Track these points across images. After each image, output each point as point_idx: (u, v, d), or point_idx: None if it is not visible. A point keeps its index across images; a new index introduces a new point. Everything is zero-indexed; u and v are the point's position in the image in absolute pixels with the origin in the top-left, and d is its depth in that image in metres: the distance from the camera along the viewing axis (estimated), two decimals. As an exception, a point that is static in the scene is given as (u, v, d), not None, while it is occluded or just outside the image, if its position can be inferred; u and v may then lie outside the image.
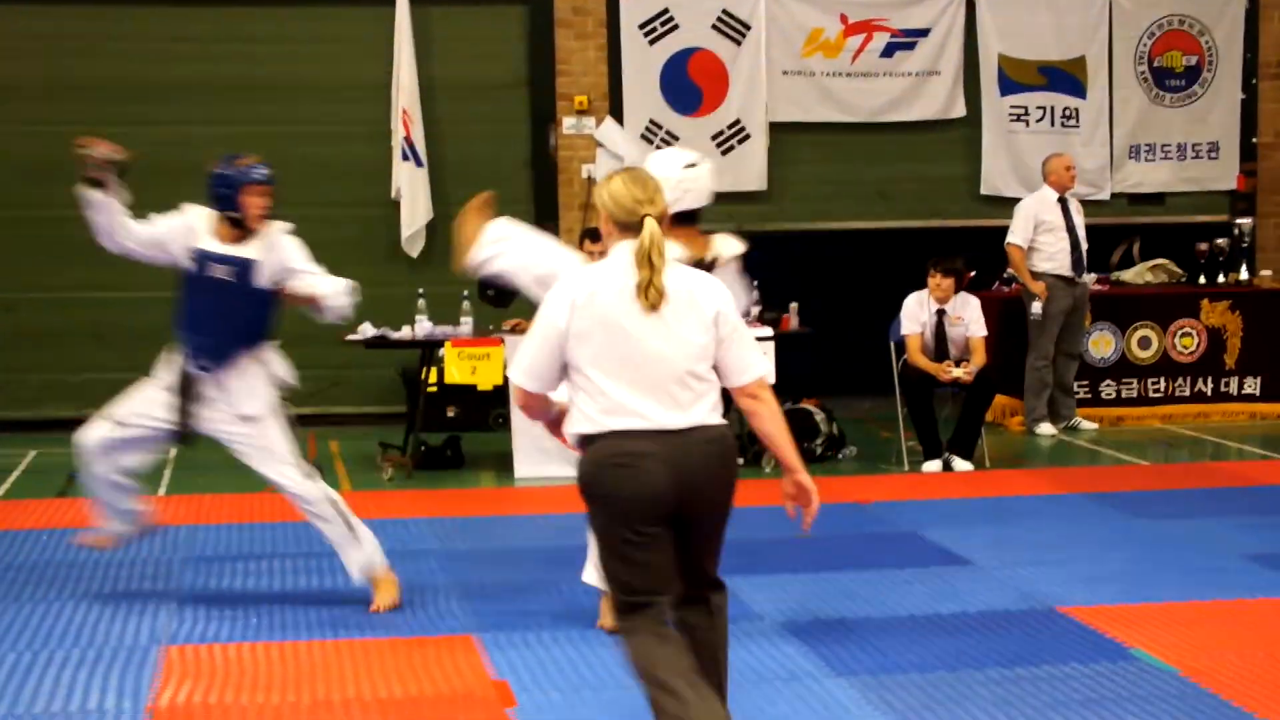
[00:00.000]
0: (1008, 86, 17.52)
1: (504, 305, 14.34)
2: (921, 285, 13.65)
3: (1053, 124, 17.60)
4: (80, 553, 9.51)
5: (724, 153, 17.05)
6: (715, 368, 6.15)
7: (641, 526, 6.03)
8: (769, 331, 13.54)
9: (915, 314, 13.61)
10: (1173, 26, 17.87)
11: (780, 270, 16.27)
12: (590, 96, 16.94)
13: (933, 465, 13.40)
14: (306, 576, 9.61)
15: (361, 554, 8.94)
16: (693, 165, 7.97)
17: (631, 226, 6.11)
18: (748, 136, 17.11)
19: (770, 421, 6.28)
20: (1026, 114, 17.58)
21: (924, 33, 17.34)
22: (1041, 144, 17.12)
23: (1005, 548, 10.34)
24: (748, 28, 17.06)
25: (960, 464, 13.37)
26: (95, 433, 8.96)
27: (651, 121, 16.98)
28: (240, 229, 8.85)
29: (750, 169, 17.15)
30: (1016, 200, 15.99)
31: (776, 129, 17.18)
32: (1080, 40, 17.67)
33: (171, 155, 16.26)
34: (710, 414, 6.11)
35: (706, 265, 7.64)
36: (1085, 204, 16.15)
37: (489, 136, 16.88)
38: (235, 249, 8.86)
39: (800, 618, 8.62)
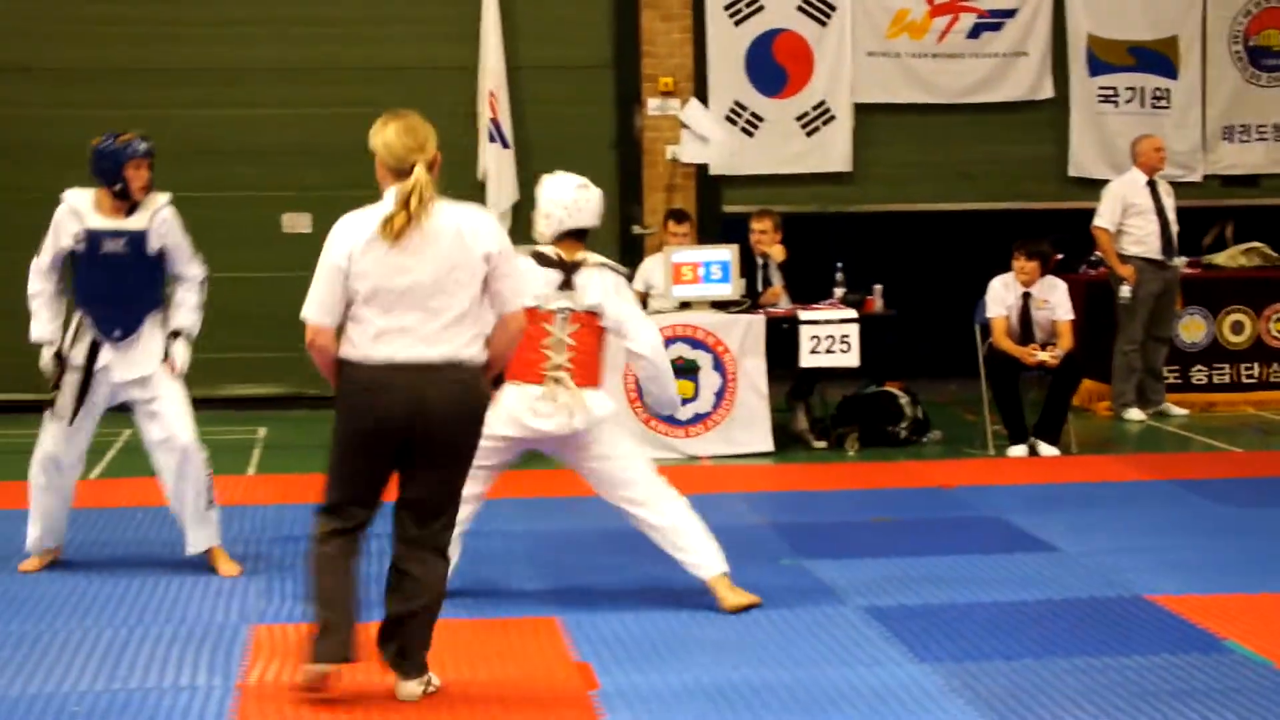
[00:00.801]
0: (1097, 67, 17.37)
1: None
2: (1007, 268, 13.56)
3: (1143, 105, 17.43)
4: (173, 531, 9.56)
5: (809, 134, 16.99)
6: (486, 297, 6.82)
7: (371, 445, 6.75)
8: (853, 314, 13.48)
9: (1000, 297, 13.52)
10: (1270, 4, 17.63)
11: (864, 252, 16.26)
12: (675, 78, 16.90)
13: (1018, 450, 13.32)
14: (380, 560, 9.60)
15: (208, 530, 9.37)
16: (584, 187, 8.69)
17: (403, 173, 6.74)
18: (832, 118, 17.04)
19: (501, 343, 6.94)
20: (1116, 95, 17.42)
21: (1011, 13, 17.20)
22: (1131, 125, 16.96)
23: (1092, 534, 10.26)
24: (833, 9, 16.97)
25: (1046, 449, 13.28)
26: (49, 445, 9.39)
27: (736, 103, 16.93)
28: (125, 201, 9.28)
29: (835, 150, 17.07)
30: (1105, 182, 15.84)
31: (861, 110, 17.09)
32: (1172, 20, 17.48)
33: (259, 138, 16.44)
34: (464, 349, 6.76)
35: (574, 265, 8.53)
36: (1176, 186, 15.96)
37: (574, 118, 16.87)
38: (122, 223, 9.31)
39: (883, 603, 8.57)
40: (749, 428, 13.34)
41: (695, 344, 13.26)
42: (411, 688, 7.07)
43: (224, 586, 9.05)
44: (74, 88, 16.29)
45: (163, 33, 16.44)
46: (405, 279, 6.71)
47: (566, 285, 8.52)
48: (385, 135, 6.81)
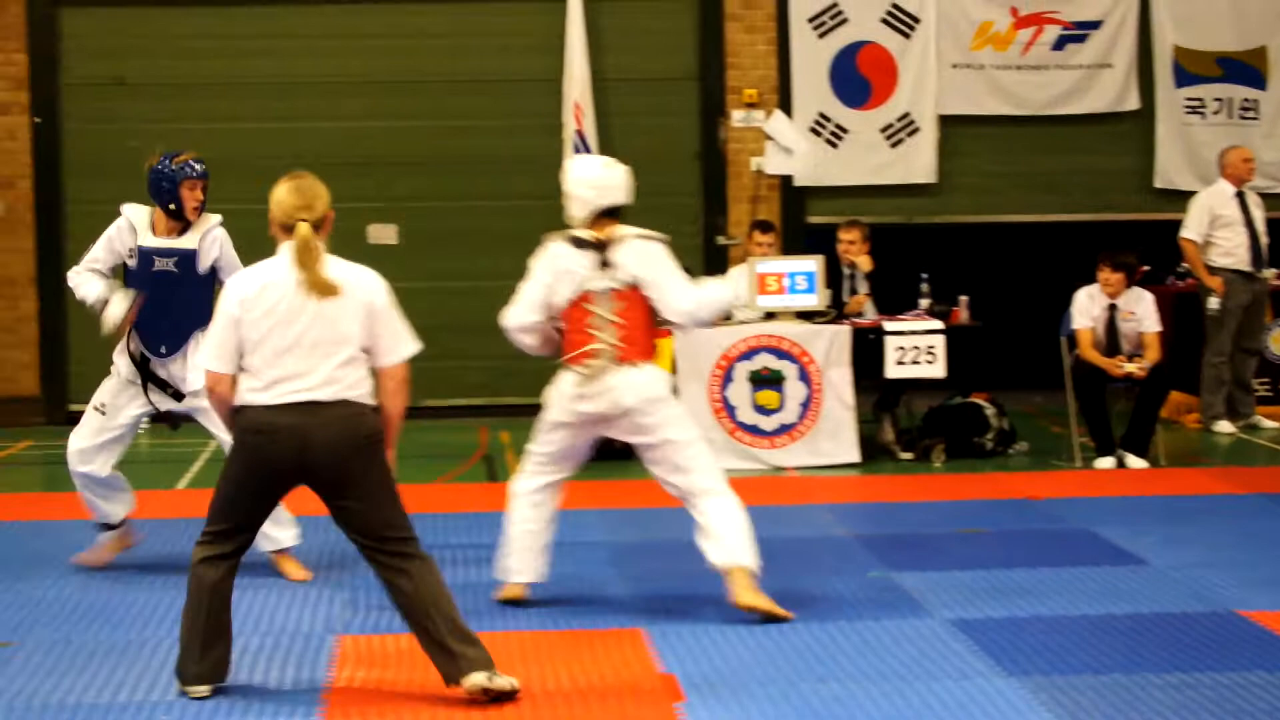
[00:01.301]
0: (1183, 78, 17.26)
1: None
2: (1092, 279, 13.48)
3: (1230, 116, 17.31)
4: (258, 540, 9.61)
5: (893, 145, 16.97)
6: (368, 350, 7.24)
7: (264, 480, 7.21)
8: (938, 325, 13.44)
9: (1086, 308, 13.45)
10: (1363, 13, 17.48)
11: (950, 263, 16.17)
12: (760, 90, 16.91)
13: (1105, 462, 13.23)
14: (478, 567, 9.62)
15: (286, 531, 9.57)
16: (610, 165, 8.85)
17: (290, 229, 7.22)
18: (917, 129, 17.00)
19: (392, 401, 7.36)
20: (1203, 106, 17.31)
21: (1096, 25, 17.12)
22: (1218, 136, 16.84)
23: (1181, 548, 10.16)
24: (917, 21, 16.95)
25: (1134, 461, 13.20)
26: (82, 439, 9.55)
27: (820, 114, 16.92)
28: (179, 221, 9.49)
29: (919, 162, 17.04)
30: (1191, 194, 15.75)
31: (945, 121, 17.06)
32: (1261, 30, 17.35)
33: (346, 149, 16.53)
34: (348, 390, 7.16)
35: (609, 242, 8.58)
36: (1266, 198, 15.84)
37: (659, 129, 16.91)
38: (174, 242, 9.52)
39: (970, 615, 8.53)
40: (834, 439, 13.31)
41: (780, 354, 13.25)
42: (477, 679, 7.13)
43: (310, 596, 9.10)
44: (167, 101, 16.51)
45: (254, 47, 16.67)
46: (293, 329, 7.14)
47: (605, 264, 8.55)
48: (277, 194, 7.29)
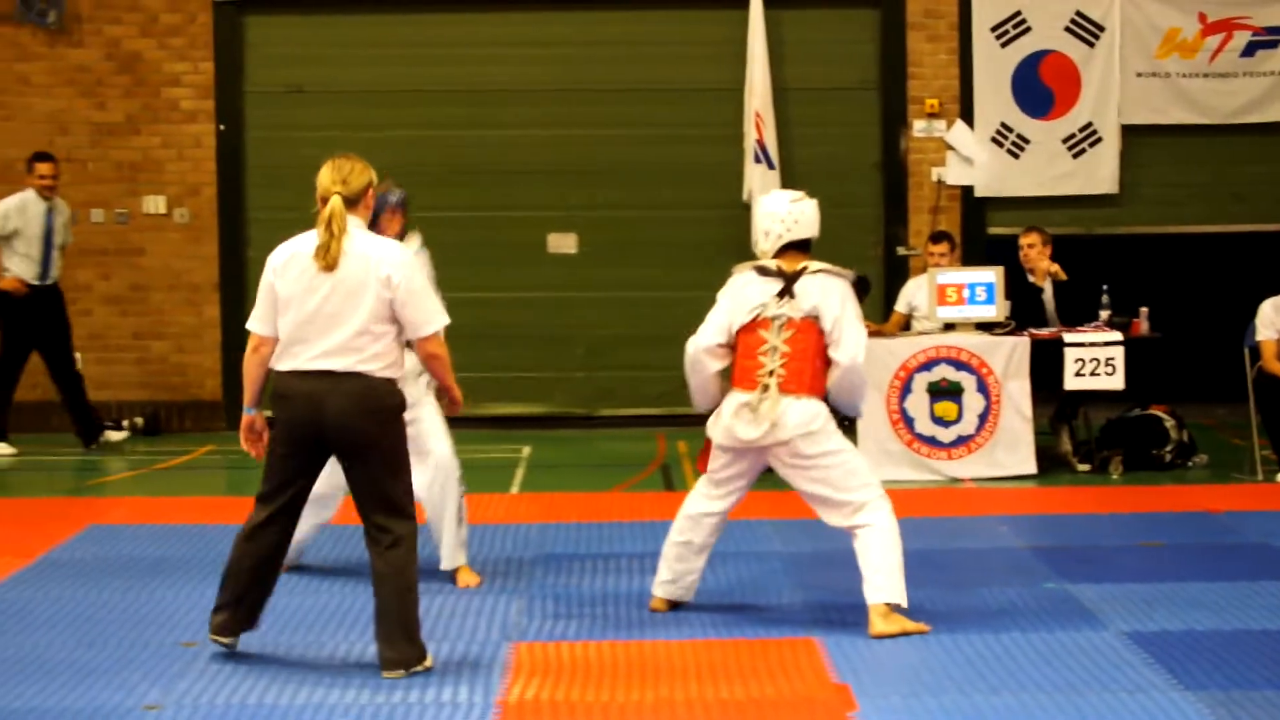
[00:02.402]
0: (1379, 84, 17.01)
1: (859, 301, 14.36)
2: (1278, 290, 13.32)
3: None
4: (432, 549, 9.73)
5: (1075, 155, 16.86)
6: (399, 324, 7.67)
7: (289, 444, 7.71)
8: (1118, 336, 13.34)
9: (1271, 320, 13.29)
10: None
11: (1130, 274, 16.03)
12: (941, 99, 16.88)
13: (1289, 476, 13.10)
14: (653, 575, 9.67)
15: (461, 548, 9.72)
16: (799, 200, 8.84)
17: (325, 202, 7.62)
18: (1099, 139, 16.87)
19: (434, 373, 8.01)
20: (1400, 113, 17.01)
21: (1288, 30, 16.93)
22: None
23: (1366, 564, 10.05)
24: (1101, 29, 16.82)
25: (1317, 475, 13.06)
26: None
27: (1002, 124, 16.85)
28: None
29: (1101, 172, 16.91)
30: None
31: (1128, 131, 16.91)
32: None
33: (526, 157, 16.70)
34: (366, 364, 7.58)
35: (795, 274, 8.65)
36: None
37: (840, 139, 16.94)
38: None
39: (1146, 628, 8.48)
40: (1012, 450, 13.26)
41: (959, 366, 13.21)
42: (395, 674, 7.66)
43: (485, 604, 9.16)
44: (344, 109, 16.73)
45: (433, 55, 16.86)
46: (313, 298, 7.60)
47: (786, 293, 8.61)
48: (320, 173, 7.72)
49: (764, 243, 8.76)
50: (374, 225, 9.44)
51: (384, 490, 7.70)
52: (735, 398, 8.63)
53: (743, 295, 8.70)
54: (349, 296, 7.57)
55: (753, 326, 8.59)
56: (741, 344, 8.67)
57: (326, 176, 7.68)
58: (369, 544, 7.76)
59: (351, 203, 7.67)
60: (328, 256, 7.55)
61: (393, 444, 7.72)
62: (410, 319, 7.69)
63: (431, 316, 7.76)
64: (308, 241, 7.68)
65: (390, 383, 7.69)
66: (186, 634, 8.51)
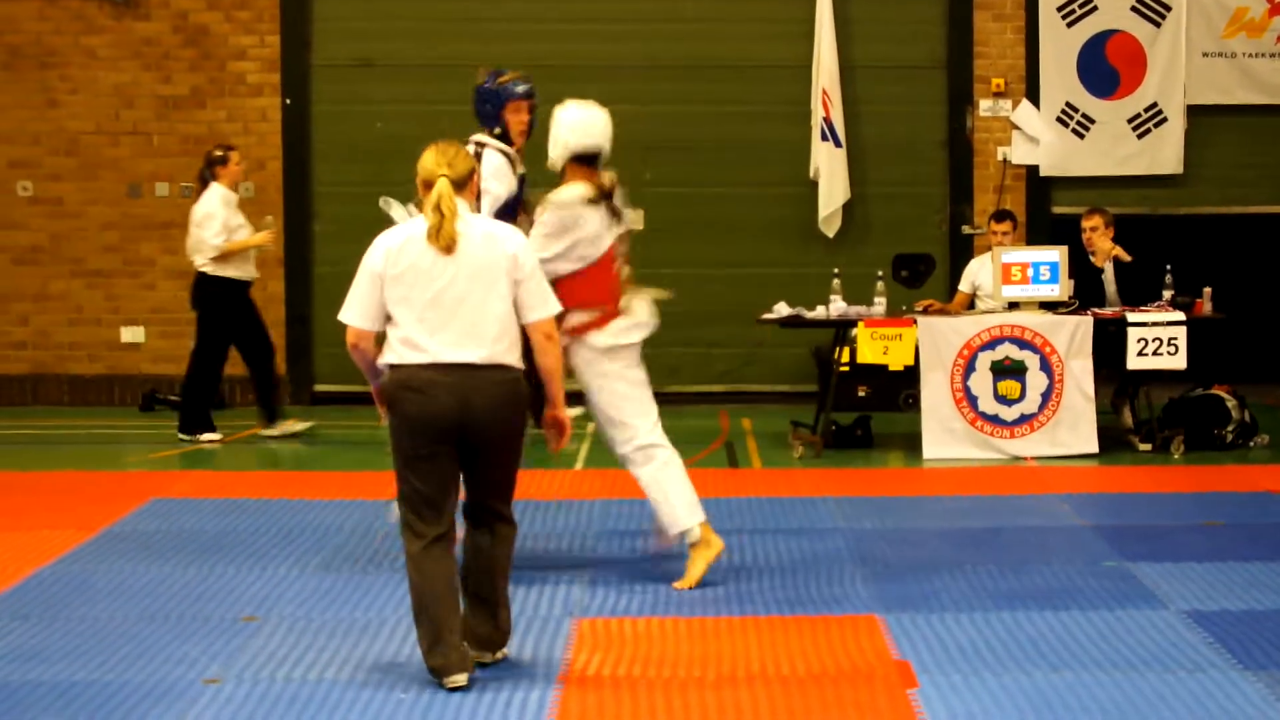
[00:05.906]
0: None
1: (917, 286, 14.41)
2: (1344, 272, 13.32)
3: None
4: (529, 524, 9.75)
5: (1140, 135, 16.84)
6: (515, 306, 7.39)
7: (425, 442, 7.21)
8: (1181, 316, 13.33)
9: (1336, 302, 13.29)
10: None
11: (1194, 254, 16.01)
12: (1007, 78, 16.88)
13: (1351, 456, 13.10)
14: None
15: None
16: (587, 106, 9.26)
17: (432, 186, 7.34)
18: (1165, 119, 16.85)
19: (548, 357, 7.55)
20: None
21: (1359, 8, 16.87)
22: None
23: None
24: (1168, 9, 16.79)
25: (1381, 456, 13.04)
26: None
27: (1068, 104, 16.84)
28: (506, 144, 9.52)
29: (1166, 152, 16.89)
30: None
31: (1194, 111, 16.89)
32: None
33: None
34: (505, 354, 7.31)
35: (607, 191, 9.13)
36: None
37: (906, 117, 16.97)
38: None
39: (1207, 608, 8.47)
40: (1074, 429, 13.27)
41: (1023, 344, 13.23)
42: (482, 656, 7.50)
43: (548, 579, 9.19)
44: (414, 84, 16.80)
45: (501, 30, 16.90)
46: (435, 284, 7.28)
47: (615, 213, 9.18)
48: (423, 158, 7.48)
49: (554, 152, 9.23)
50: (498, 119, 9.45)
51: (508, 477, 7.54)
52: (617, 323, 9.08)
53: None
54: (474, 278, 7.29)
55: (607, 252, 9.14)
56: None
57: (431, 160, 7.41)
58: (475, 526, 7.48)
59: (459, 186, 7.39)
60: (442, 237, 7.24)
61: (521, 434, 7.53)
62: (529, 301, 7.43)
63: (549, 298, 7.54)
64: (418, 225, 7.36)
65: (522, 371, 7.45)
66: (247, 608, 8.57)
